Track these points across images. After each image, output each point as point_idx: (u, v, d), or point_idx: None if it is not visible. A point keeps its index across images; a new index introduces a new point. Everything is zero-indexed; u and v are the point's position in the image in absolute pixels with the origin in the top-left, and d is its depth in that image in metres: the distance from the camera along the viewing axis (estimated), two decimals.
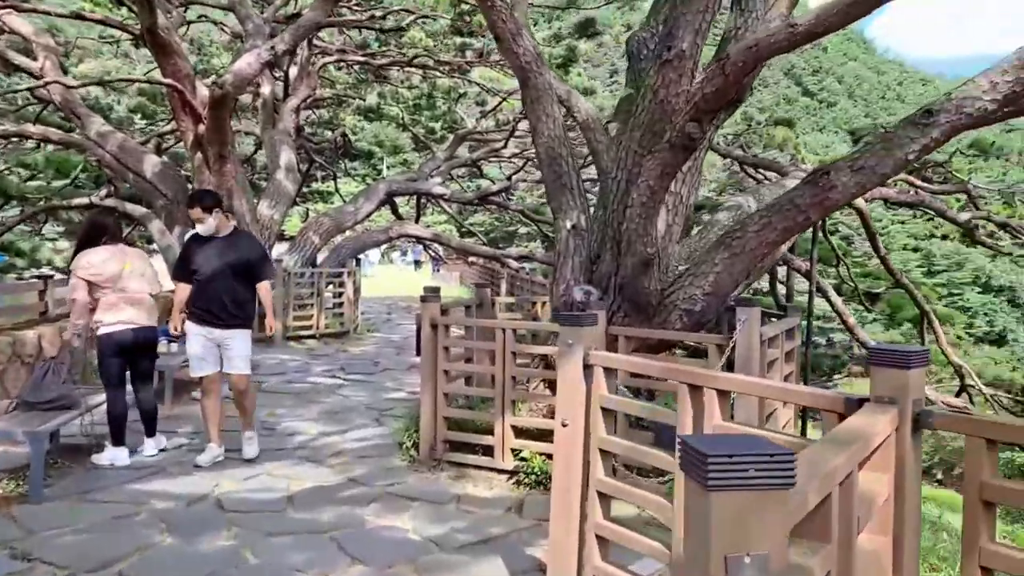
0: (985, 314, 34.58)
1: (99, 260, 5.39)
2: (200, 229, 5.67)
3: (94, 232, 5.59)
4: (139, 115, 22.11)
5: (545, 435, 5.58)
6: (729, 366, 4.61)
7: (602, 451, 3.12)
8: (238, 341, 5.66)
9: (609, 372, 3.14)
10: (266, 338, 12.22)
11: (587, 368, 3.21)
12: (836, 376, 15.07)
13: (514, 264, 16.21)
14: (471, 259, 24.79)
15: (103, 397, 5.64)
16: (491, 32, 6.00)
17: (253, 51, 12.22)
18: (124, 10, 13.56)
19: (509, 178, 18.34)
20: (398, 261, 50.83)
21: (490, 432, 5.52)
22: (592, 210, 6.31)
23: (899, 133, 4.51)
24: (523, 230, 42.83)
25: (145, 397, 5.80)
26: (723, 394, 2.63)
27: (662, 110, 4.96)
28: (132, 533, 4.33)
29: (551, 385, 6.14)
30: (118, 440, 5.57)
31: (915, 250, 36.95)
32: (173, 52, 11.36)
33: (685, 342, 5.69)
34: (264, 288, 5.75)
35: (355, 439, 6.56)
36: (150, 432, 5.86)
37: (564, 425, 3.21)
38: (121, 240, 5.81)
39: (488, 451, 5.53)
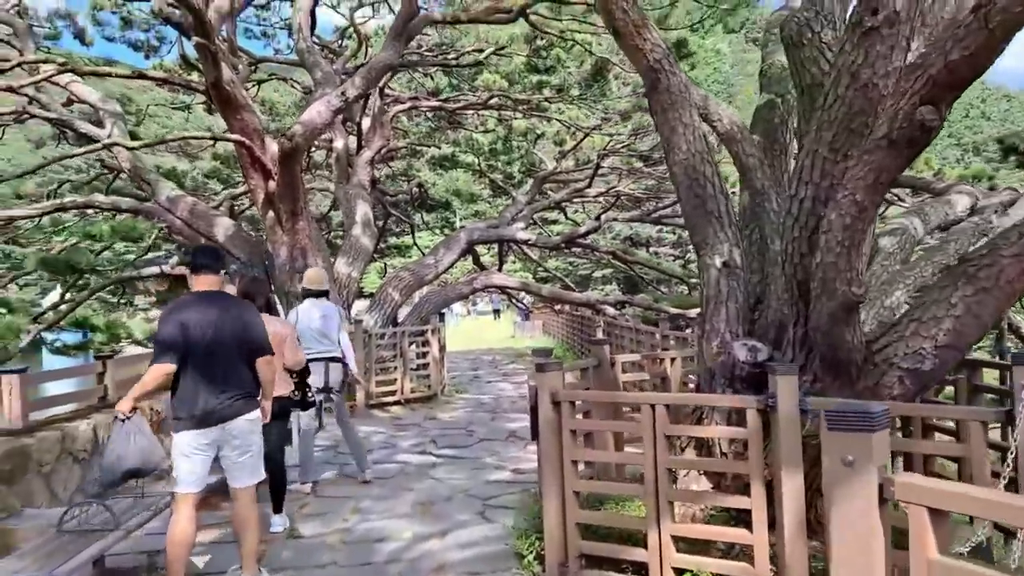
0: None
1: None
2: None
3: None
4: (215, 180, 21.98)
5: (711, 545, 4.21)
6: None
7: None
8: None
9: (937, 515, 1.77)
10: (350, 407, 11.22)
11: (883, 501, 1.86)
12: None
13: (611, 311, 14.79)
14: (557, 307, 23.51)
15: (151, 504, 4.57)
16: (608, 28, 4.79)
17: (323, 99, 11.46)
18: (193, 74, 13.10)
19: (598, 218, 17.06)
20: (472, 311, 49.71)
21: (640, 543, 4.14)
22: (744, 242, 4.96)
23: None
24: (598, 273, 41.23)
25: None
26: None
27: (865, 97, 3.60)
28: None
29: (707, 475, 4.77)
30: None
31: None
32: (240, 106, 10.64)
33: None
34: None
35: (459, 544, 5.25)
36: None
37: None
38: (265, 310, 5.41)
39: (640, 569, 4.15)
